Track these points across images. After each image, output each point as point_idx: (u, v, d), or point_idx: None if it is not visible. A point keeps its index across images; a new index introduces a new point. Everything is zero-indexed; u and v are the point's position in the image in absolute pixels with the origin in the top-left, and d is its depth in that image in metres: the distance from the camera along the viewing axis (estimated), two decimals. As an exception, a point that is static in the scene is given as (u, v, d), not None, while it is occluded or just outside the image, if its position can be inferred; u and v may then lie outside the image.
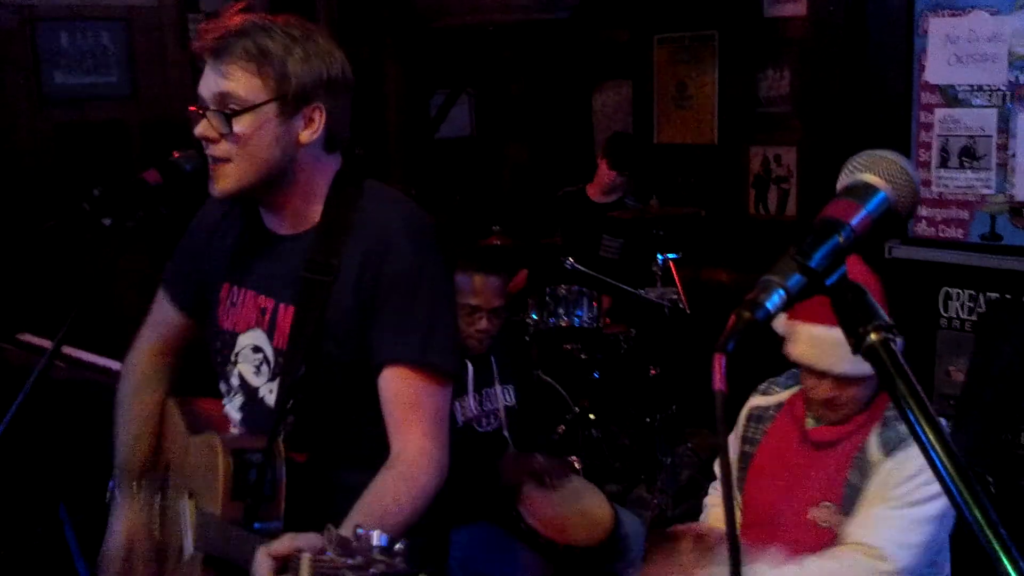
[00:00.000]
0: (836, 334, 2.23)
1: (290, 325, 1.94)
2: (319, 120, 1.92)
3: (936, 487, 2.15)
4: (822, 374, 2.33)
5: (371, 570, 1.42)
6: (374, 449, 1.92)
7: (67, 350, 3.45)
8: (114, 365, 3.42)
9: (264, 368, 2.01)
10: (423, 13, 6.44)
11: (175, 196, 2.01)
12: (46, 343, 3.62)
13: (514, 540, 3.19)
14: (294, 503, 1.88)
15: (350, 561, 1.44)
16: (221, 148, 1.87)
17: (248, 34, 1.85)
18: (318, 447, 1.96)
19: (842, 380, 2.32)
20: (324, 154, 1.98)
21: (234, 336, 2.05)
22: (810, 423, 2.47)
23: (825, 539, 2.33)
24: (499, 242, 5.27)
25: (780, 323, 2.42)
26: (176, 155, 1.99)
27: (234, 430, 2.06)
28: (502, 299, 3.28)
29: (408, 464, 1.86)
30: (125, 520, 2.17)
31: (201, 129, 1.87)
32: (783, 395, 2.58)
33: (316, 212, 1.97)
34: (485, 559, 3.12)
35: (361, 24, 6.35)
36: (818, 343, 2.30)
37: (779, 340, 2.41)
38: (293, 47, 1.86)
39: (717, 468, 2.72)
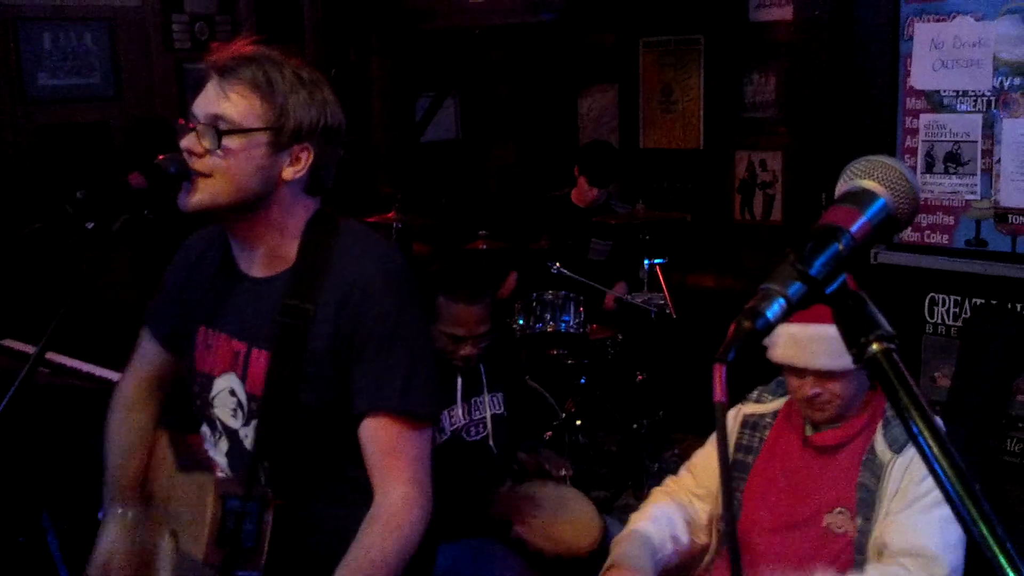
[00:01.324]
0: (813, 331, 2.26)
1: (264, 371, 1.93)
2: (305, 160, 1.92)
3: None
4: (803, 371, 2.35)
5: None
6: (351, 488, 1.93)
7: (51, 356, 3.41)
8: (98, 371, 3.39)
9: (239, 412, 2.00)
10: (409, 16, 6.42)
11: (159, 199, 1.98)
12: (29, 349, 3.58)
13: (501, 548, 3.17)
14: (270, 545, 1.88)
15: None
16: (204, 163, 1.86)
17: (259, 63, 1.87)
18: (294, 490, 1.95)
19: (822, 375, 2.33)
20: (304, 195, 1.97)
21: (210, 379, 2.04)
22: (809, 430, 2.46)
23: (841, 544, 2.32)
24: (485, 246, 5.25)
25: None
26: (160, 158, 1.97)
27: (220, 473, 2.03)
28: (487, 324, 3.25)
29: (392, 515, 1.87)
30: (108, 541, 2.15)
31: (188, 142, 1.86)
32: (777, 403, 2.57)
33: (291, 253, 1.96)
34: (473, 568, 3.10)
35: (347, 26, 6.32)
36: (796, 341, 2.31)
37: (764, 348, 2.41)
38: (299, 87, 1.89)
39: (684, 468, 2.68)
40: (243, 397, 1.98)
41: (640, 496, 4.76)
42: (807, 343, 2.28)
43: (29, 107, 5.04)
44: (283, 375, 1.89)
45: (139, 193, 1.88)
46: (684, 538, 2.55)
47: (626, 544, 2.50)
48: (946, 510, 2.24)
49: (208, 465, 2.05)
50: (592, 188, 5.47)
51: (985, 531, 0.89)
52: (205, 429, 2.09)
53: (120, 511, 2.16)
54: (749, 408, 2.60)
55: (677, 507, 2.59)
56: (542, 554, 3.13)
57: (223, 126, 1.84)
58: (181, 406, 2.24)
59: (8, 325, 3.82)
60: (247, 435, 1.99)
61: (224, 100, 1.85)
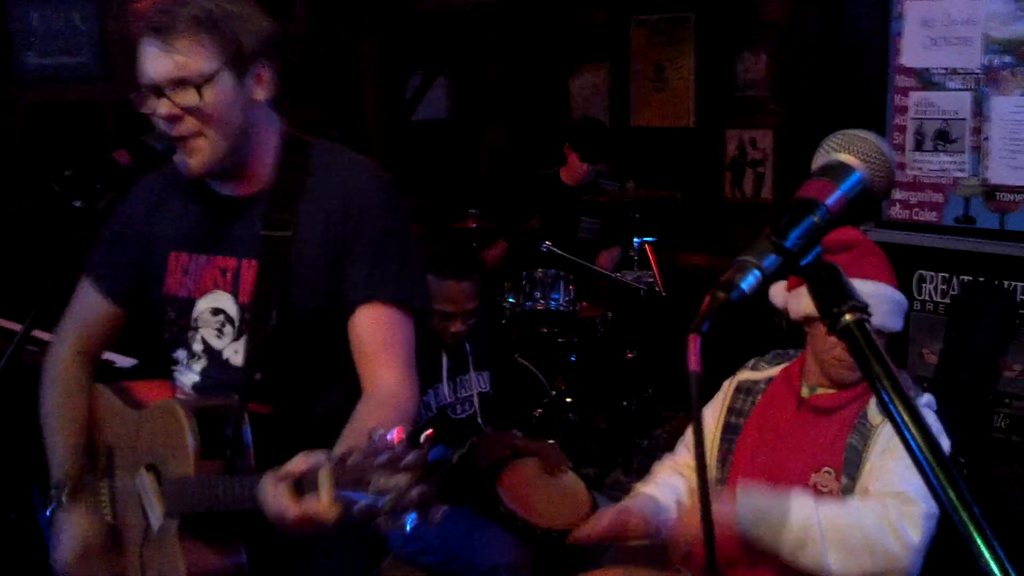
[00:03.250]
0: (867, 287, 2.23)
1: (253, 279, 1.96)
2: (267, 76, 1.95)
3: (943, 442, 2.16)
4: None
5: (403, 463, 1.38)
6: (338, 402, 1.96)
7: (38, 333, 3.41)
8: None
9: (228, 328, 2.01)
10: (399, -6, 6.41)
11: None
12: (16, 326, 3.58)
13: (492, 523, 3.19)
14: (261, 456, 1.89)
15: (379, 459, 1.40)
16: (188, 124, 1.87)
17: (188, 5, 1.86)
18: (283, 399, 1.99)
19: None
20: (272, 112, 2.01)
21: (191, 302, 2.04)
22: (806, 391, 2.47)
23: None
24: (476, 225, 5.25)
25: (778, 294, 2.43)
26: (146, 135, 1.97)
27: (181, 396, 2.06)
28: (475, 301, 3.28)
29: (387, 392, 1.89)
30: (73, 527, 2.10)
31: (165, 109, 1.86)
32: (773, 371, 2.59)
33: (268, 171, 1.99)
34: (463, 542, 3.12)
35: (338, 5, 6.30)
36: None
37: (753, 319, 2.41)
38: (232, 11, 1.89)
39: (682, 445, 2.71)
40: (234, 311, 2.00)
41: (630, 472, 4.79)
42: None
43: (18, 87, 5.03)
44: (273, 281, 1.93)
45: (126, 171, 1.88)
46: (687, 503, 2.57)
47: (630, 499, 2.54)
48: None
49: (158, 396, 2.06)
50: (583, 164, 5.47)
51: (954, 496, 0.91)
52: (180, 353, 2.08)
53: (68, 491, 2.10)
54: (744, 375, 2.63)
55: (680, 477, 2.61)
56: (532, 528, 3.16)
57: (192, 78, 1.84)
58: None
59: (-3, 303, 3.82)
60: (237, 350, 2.00)
61: (177, 55, 1.84)
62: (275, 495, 1.59)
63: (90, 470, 2.15)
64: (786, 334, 2.59)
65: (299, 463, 1.58)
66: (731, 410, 2.57)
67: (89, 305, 2.18)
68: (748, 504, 2.27)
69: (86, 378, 2.19)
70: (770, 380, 2.58)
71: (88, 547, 2.11)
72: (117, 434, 2.12)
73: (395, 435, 1.42)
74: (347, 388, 1.95)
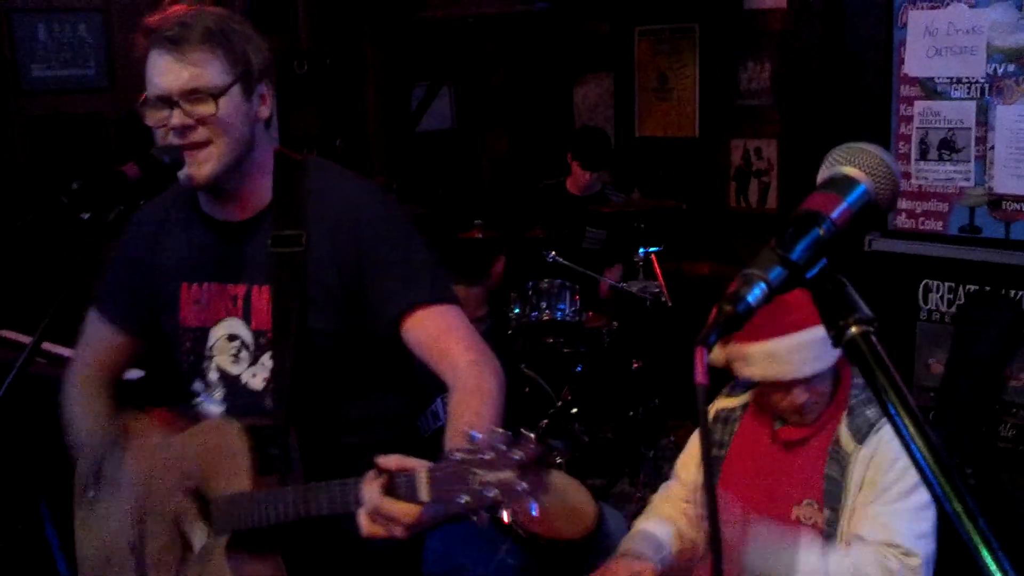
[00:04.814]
0: (789, 341, 2.26)
1: (268, 303, 1.97)
2: (268, 97, 1.98)
3: None
4: (791, 384, 2.32)
5: (511, 458, 1.39)
6: (364, 412, 2.02)
7: (47, 346, 3.42)
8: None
9: (244, 354, 2.02)
10: (403, 5, 6.42)
11: (154, 189, 2.00)
12: (26, 339, 3.59)
13: (496, 533, 3.19)
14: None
15: (484, 456, 1.42)
16: (200, 133, 1.89)
17: (202, 19, 1.89)
18: (309, 418, 1.99)
19: (812, 380, 2.31)
20: (268, 132, 2.04)
21: (205, 331, 2.06)
22: (777, 424, 2.47)
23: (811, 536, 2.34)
24: (481, 235, 5.26)
25: (718, 355, 2.40)
26: (154, 148, 1.98)
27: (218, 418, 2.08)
28: (485, 308, 3.28)
29: (466, 380, 1.89)
30: (100, 528, 2.13)
31: (179, 119, 1.87)
32: (747, 396, 2.57)
33: (266, 191, 2.01)
34: (466, 552, 3.12)
35: (341, 16, 6.32)
36: (778, 357, 2.29)
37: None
38: (242, 31, 1.94)
39: (678, 465, 2.71)
40: (248, 337, 2.01)
41: (636, 483, 4.79)
42: (789, 355, 2.26)
43: (23, 98, 5.04)
44: (288, 303, 1.95)
45: (134, 183, 1.89)
46: (689, 535, 2.57)
47: (632, 540, 2.54)
48: (913, 500, 2.27)
49: (191, 421, 2.07)
50: (586, 172, 5.49)
51: (959, 507, 0.91)
52: (198, 385, 2.10)
53: (92, 495, 2.14)
54: (721, 403, 2.61)
55: (678, 510, 2.61)
56: (536, 538, 3.15)
57: (207, 89, 1.87)
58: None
59: (5, 316, 3.83)
60: (254, 374, 2.01)
61: (192, 67, 1.87)
62: (370, 491, 1.62)
63: (116, 491, 2.14)
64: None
65: (393, 460, 1.61)
66: (713, 443, 2.54)
67: (100, 336, 2.19)
68: (758, 548, 2.28)
69: (105, 401, 2.20)
70: (745, 406, 2.56)
71: (111, 561, 2.11)
72: (146, 459, 2.11)
73: (496, 433, 1.45)
74: (368, 406, 1.99)
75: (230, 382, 2.05)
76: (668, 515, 2.60)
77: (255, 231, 2.00)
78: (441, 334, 1.96)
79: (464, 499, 1.45)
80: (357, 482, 1.68)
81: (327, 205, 1.98)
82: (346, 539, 1.90)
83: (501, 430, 1.47)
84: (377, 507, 1.60)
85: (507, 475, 1.42)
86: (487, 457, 1.44)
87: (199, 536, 1.99)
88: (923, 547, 2.24)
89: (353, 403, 2.06)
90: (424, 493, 1.53)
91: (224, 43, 1.89)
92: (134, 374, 2.96)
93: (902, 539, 2.23)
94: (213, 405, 2.08)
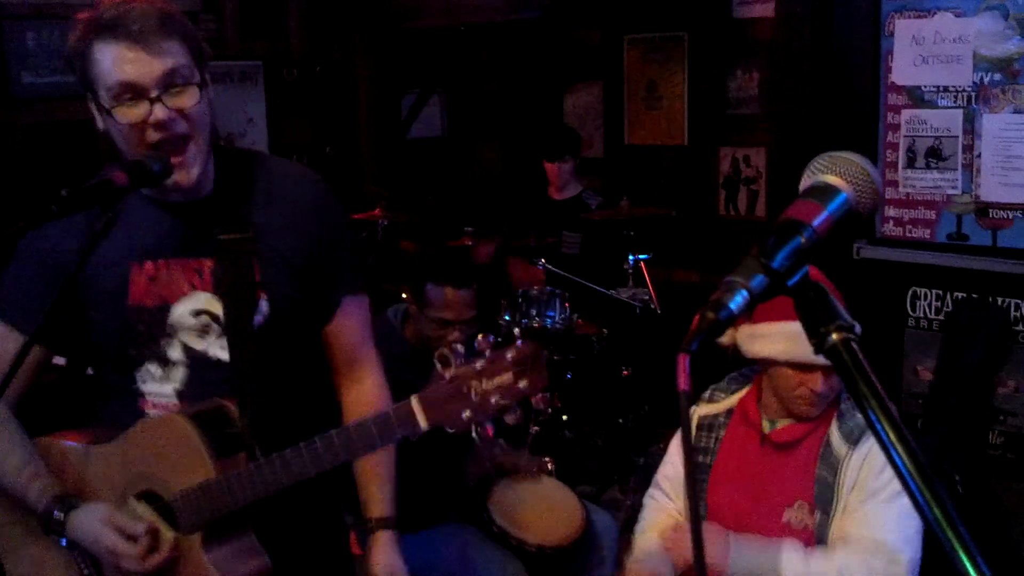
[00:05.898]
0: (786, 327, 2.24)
1: (224, 279, 1.97)
2: (209, 81, 1.96)
3: None
4: (812, 367, 2.30)
5: (505, 359, 1.39)
6: (311, 406, 2.08)
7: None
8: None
9: (214, 327, 1.99)
10: (394, 14, 6.43)
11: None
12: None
13: (486, 541, 3.19)
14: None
15: (475, 367, 1.42)
16: (181, 125, 1.86)
17: (150, 7, 1.85)
18: (271, 391, 1.99)
19: (830, 370, 2.29)
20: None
21: (164, 309, 1.98)
22: (767, 427, 2.47)
23: (802, 539, 2.34)
24: (471, 243, 5.27)
25: (742, 331, 2.41)
26: (143, 155, 1.97)
27: (153, 412, 2.00)
28: (474, 311, 3.28)
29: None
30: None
31: (163, 113, 1.83)
32: (731, 400, 2.57)
33: (210, 176, 2.00)
34: (457, 562, 3.12)
35: (332, 24, 6.33)
36: (801, 337, 2.28)
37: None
38: (179, 14, 1.91)
39: (659, 477, 2.70)
40: (218, 309, 1.99)
41: (626, 490, 4.79)
42: None
43: (13, 107, 5.04)
44: (240, 282, 1.96)
45: (122, 191, 1.89)
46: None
47: (641, 557, 2.54)
48: (902, 502, 2.28)
49: (131, 413, 2.01)
50: (552, 166, 5.58)
51: (939, 514, 0.92)
52: (151, 368, 2.01)
53: (77, 502, 1.99)
54: (703, 409, 2.59)
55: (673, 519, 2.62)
56: (524, 545, 3.16)
57: (181, 77, 1.85)
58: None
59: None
60: (224, 347, 1.99)
61: (163, 56, 1.82)
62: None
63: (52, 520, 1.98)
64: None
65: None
66: (696, 449, 2.54)
67: (7, 350, 1.99)
68: (741, 553, 2.29)
69: (16, 422, 2.06)
70: (730, 412, 2.55)
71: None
72: (78, 479, 2.02)
73: (480, 343, 1.46)
74: (324, 380, 2.06)
75: (196, 358, 1.99)
76: (667, 522, 2.60)
77: (202, 211, 1.98)
78: (360, 336, 2.13)
79: (466, 414, 1.45)
80: (324, 438, 1.77)
81: (284, 186, 2.04)
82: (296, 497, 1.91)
83: (483, 335, 1.48)
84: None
85: (505, 378, 1.42)
86: (479, 366, 1.43)
87: (164, 540, 1.91)
88: (909, 550, 2.25)
89: (297, 398, 2.07)
90: (423, 421, 1.53)
91: (178, 29, 1.86)
92: (58, 360, 2.87)
93: (889, 539, 2.24)
94: (166, 385, 1.99)
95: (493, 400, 1.44)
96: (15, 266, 2.06)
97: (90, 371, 2.20)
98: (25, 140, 5.06)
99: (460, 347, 1.51)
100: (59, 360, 2.32)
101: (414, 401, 1.53)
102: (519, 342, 1.45)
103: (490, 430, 1.48)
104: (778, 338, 2.32)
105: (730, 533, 2.34)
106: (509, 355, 1.43)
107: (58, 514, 1.95)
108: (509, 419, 1.49)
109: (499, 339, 1.51)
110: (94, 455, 2.01)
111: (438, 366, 1.61)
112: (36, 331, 1.83)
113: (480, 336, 1.49)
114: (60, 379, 3.08)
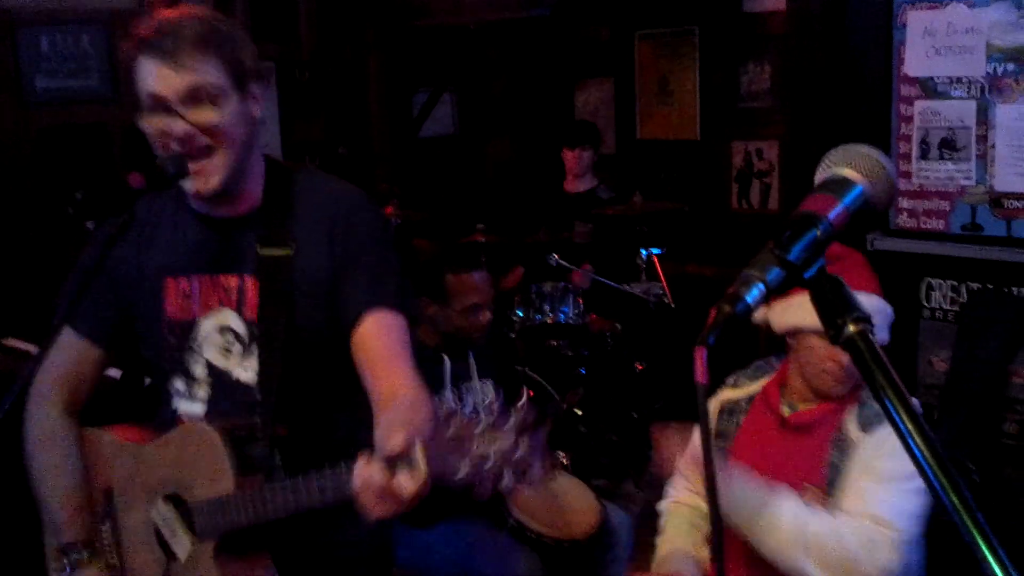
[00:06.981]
0: (857, 293, 2.22)
1: (257, 297, 1.97)
2: (260, 95, 1.97)
3: None
4: None
5: (505, 425, 1.38)
6: (352, 420, 2.01)
7: (12, 342, 3.43)
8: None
9: (236, 347, 2.00)
10: (405, 12, 6.44)
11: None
12: (32, 348, 3.61)
13: (502, 535, 3.20)
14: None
15: (477, 428, 1.40)
16: (201, 141, 1.88)
17: (192, 23, 1.87)
18: (298, 419, 1.98)
19: None
20: (259, 131, 2.03)
21: (192, 324, 2.01)
22: (786, 411, 2.48)
23: None
24: (483, 240, 5.28)
25: (775, 307, 2.42)
26: (159, 158, 1.98)
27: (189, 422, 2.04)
28: (493, 290, 3.37)
29: (409, 398, 1.81)
30: None
31: (181, 129, 1.86)
32: (754, 387, 2.58)
33: (259, 191, 2.01)
34: (472, 554, 3.13)
35: (343, 23, 6.34)
36: None
37: (751, 333, 2.41)
38: (231, 31, 1.93)
39: (681, 465, 2.70)
40: (241, 328, 1.99)
41: (639, 485, 4.80)
42: None
43: (28, 110, 5.07)
44: (277, 299, 1.95)
45: (138, 193, 1.90)
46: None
47: (669, 559, 2.54)
48: (908, 484, 2.28)
49: (172, 423, 2.04)
50: (571, 153, 5.57)
51: (957, 502, 0.92)
52: (178, 383, 2.05)
53: (87, 553, 2.08)
54: (726, 394, 2.62)
55: (694, 513, 2.62)
56: (541, 539, 3.16)
57: (207, 94, 1.86)
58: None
59: (11, 325, 3.85)
60: (247, 367, 1.99)
61: (188, 72, 1.85)
62: (369, 473, 1.56)
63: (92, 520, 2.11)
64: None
65: (393, 441, 1.54)
66: (717, 433, 2.55)
67: (71, 354, 2.09)
68: (737, 492, 2.30)
69: (76, 435, 2.13)
70: (751, 398, 2.56)
71: None
72: (116, 474, 2.09)
73: (490, 404, 1.45)
74: (359, 407, 1.95)
75: (219, 376, 2.02)
76: (688, 519, 2.61)
77: (246, 228, 1.99)
78: (393, 346, 1.93)
79: (463, 471, 1.44)
80: (348, 466, 1.64)
81: (320, 209, 2.00)
82: (326, 531, 1.93)
83: (489, 398, 1.47)
84: (382, 487, 1.54)
85: (503, 444, 1.42)
86: (480, 428, 1.43)
87: (182, 545, 1.97)
88: (908, 526, 2.25)
89: (346, 409, 2.04)
90: (422, 467, 1.51)
91: (216, 45, 1.87)
92: (114, 372, 2.94)
93: (888, 514, 2.23)
94: (195, 404, 2.04)
95: (489, 464, 1.43)
96: (84, 266, 2.07)
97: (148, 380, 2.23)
98: (39, 143, 5.08)
99: (461, 406, 1.49)
100: (113, 372, 2.35)
101: (417, 447, 1.52)
102: (523, 409, 1.44)
103: (483, 491, 1.47)
104: (810, 306, 2.31)
105: (736, 472, 2.35)
106: (510, 421, 1.43)
107: (68, 556, 2.08)
108: (501, 486, 1.47)
109: (507, 401, 1.49)
110: (134, 453, 2.06)
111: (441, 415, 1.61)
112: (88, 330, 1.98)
113: (487, 399, 1.47)
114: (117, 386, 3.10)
